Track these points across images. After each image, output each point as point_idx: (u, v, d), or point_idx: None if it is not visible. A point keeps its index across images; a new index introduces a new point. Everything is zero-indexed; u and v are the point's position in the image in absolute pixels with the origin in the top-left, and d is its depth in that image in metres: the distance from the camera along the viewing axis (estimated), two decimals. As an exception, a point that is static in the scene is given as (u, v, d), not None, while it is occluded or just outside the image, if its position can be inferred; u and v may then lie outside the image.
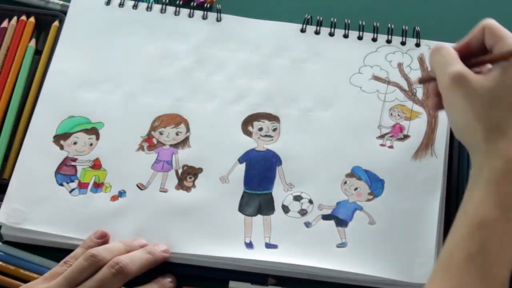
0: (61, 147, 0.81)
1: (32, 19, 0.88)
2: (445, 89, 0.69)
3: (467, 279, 0.63)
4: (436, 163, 0.80)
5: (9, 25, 0.88)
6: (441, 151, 0.80)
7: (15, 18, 0.88)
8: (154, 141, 0.81)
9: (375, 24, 0.88)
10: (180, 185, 0.79)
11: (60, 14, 0.89)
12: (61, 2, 0.91)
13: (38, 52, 0.87)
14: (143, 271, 0.72)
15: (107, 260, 0.71)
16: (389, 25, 0.88)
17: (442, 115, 0.82)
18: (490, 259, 0.63)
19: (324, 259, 0.75)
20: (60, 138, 0.81)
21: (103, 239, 0.75)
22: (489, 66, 0.71)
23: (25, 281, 0.74)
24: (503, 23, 0.89)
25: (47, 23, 0.88)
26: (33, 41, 0.87)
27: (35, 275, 0.75)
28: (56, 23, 0.88)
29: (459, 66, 0.69)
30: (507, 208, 0.64)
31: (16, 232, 0.76)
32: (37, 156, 0.80)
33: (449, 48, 0.71)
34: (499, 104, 0.66)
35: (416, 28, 0.88)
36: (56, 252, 0.76)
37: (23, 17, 0.88)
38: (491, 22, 0.70)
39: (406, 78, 0.85)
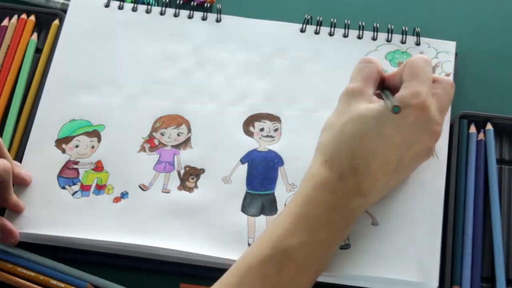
0: (63, 151, 0.81)
1: (32, 17, 0.88)
2: (339, 96, 0.74)
3: None
4: (437, 164, 0.80)
5: (10, 24, 0.88)
6: (442, 151, 0.80)
7: (15, 16, 0.88)
8: (156, 142, 0.81)
9: (375, 24, 0.88)
10: (183, 186, 0.79)
11: (61, 13, 0.89)
12: (62, 1, 0.90)
13: (38, 51, 0.87)
14: None
15: None
16: (389, 26, 0.88)
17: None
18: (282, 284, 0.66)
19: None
20: (61, 142, 0.81)
21: None
22: None
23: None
24: (503, 23, 0.90)
25: (48, 22, 0.89)
26: (35, 35, 0.88)
27: (33, 273, 0.75)
28: (56, 21, 0.88)
29: (358, 84, 0.73)
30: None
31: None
32: (39, 160, 0.80)
33: (372, 66, 0.74)
34: (358, 122, 0.70)
35: (416, 29, 0.88)
36: (56, 250, 0.77)
37: (24, 16, 0.88)
38: (416, 59, 0.72)
39: (407, 77, 0.85)
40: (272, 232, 0.68)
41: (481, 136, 0.81)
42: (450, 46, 0.86)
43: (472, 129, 0.82)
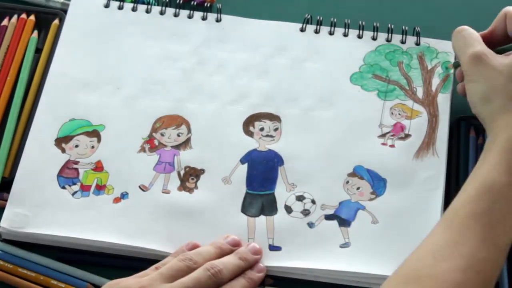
0: (63, 150, 0.81)
1: (32, 17, 0.88)
2: (466, 68, 0.75)
3: (467, 234, 0.64)
4: (437, 162, 0.80)
5: (10, 23, 0.88)
6: (442, 150, 0.80)
7: (15, 16, 0.88)
8: (156, 142, 0.81)
9: (375, 24, 0.88)
10: (183, 187, 0.79)
11: (60, 13, 0.89)
12: (61, 1, 0.90)
13: (38, 51, 0.87)
14: (235, 276, 0.72)
15: (200, 264, 0.71)
16: (389, 25, 0.88)
17: (443, 114, 0.82)
18: (494, 222, 0.65)
19: (327, 260, 0.75)
20: (61, 141, 0.81)
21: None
22: None
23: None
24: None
25: (48, 22, 0.89)
26: (36, 32, 0.88)
27: (33, 274, 0.75)
28: (56, 21, 0.88)
29: (479, 47, 0.74)
30: None
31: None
32: (39, 159, 0.80)
33: (470, 30, 0.77)
34: None
35: (417, 28, 0.88)
36: (56, 250, 0.77)
37: (23, 16, 0.88)
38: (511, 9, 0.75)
39: (406, 77, 0.85)
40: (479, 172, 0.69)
41: (480, 140, 0.81)
42: (450, 46, 0.86)
43: (472, 133, 0.82)
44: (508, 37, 0.76)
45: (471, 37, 0.76)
